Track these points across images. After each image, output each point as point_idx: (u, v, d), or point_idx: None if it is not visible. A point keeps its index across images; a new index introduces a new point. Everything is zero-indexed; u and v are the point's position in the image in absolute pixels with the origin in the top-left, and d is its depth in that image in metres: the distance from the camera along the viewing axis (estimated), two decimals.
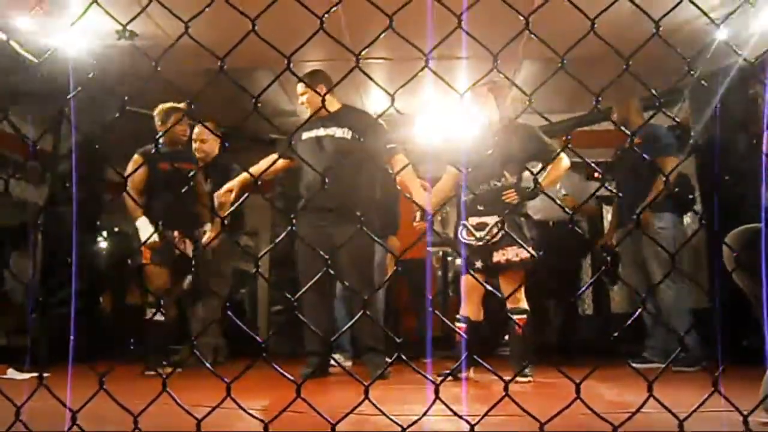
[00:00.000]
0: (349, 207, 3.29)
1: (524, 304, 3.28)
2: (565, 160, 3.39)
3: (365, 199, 3.55)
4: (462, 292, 3.48)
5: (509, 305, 3.25)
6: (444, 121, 5.36)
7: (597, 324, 6.51)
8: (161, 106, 4.02)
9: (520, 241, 3.11)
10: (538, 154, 3.38)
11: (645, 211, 4.11)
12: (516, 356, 3.28)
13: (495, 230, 3.24)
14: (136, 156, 3.91)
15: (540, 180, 3.35)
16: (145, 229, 3.76)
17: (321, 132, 3.58)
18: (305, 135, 3.62)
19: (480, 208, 3.33)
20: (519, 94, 5.63)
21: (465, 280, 3.43)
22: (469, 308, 3.43)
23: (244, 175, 3.62)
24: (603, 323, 6.47)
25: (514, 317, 3.23)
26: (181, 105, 3.99)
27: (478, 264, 3.32)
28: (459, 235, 3.41)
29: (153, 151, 3.91)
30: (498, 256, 3.24)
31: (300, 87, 3.69)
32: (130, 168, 3.84)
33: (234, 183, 3.60)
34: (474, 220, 3.34)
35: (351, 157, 3.50)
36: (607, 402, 2.40)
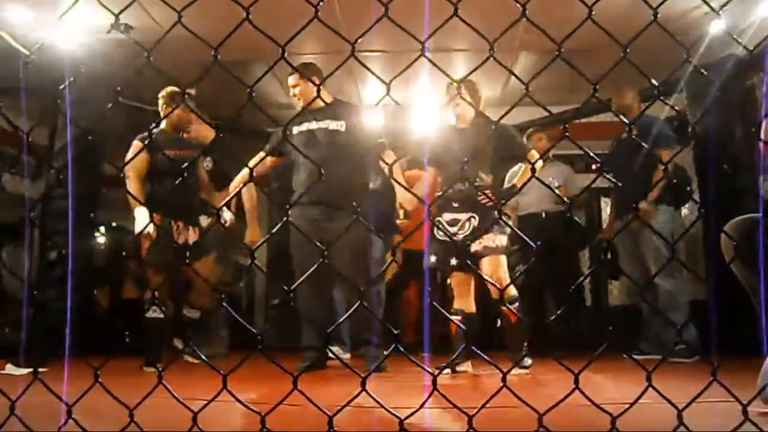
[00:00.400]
0: (343, 199, 3.29)
1: (513, 291, 3.31)
2: (536, 160, 3.43)
3: (359, 192, 3.54)
4: (453, 287, 3.51)
5: (498, 295, 3.27)
6: (428, 117, 5.37)
7: (595, 316, 6.52)
8: (166, 90, 3.90)
9: (496, 229, 3.19)
10: (510, 152, 3.43)
11: (645, 204, 4.11)
12: (512, 346, 3.29)
13: (467, 225, 3.28)
14: (136, 142, 3.79)
15: (515, 181, 3.39)
16: (142, 220, 3.62)
17: (314, 125, 3.57)
18: (296, 129, 3.60)
19: (455, 205, 3.34)
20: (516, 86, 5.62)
21: (454, 275, 3.45)
22: (462, 302, 3.45)
23: (243, 173, 3.63)
24: (601, 315, 6.49)
25: (505, 307, 3.24)
26: (191, 90, 3.90)
27: (453, 261, 3.36)
28: (434, 232, 3.43)
29: (148, 137, 3.82)
30: (476, 246, 3.27)
31: (292, 79, 3.65)
32: (130, 155, 3.70)
33: (235, 183, 3.67)
34: (447, 217, 3.36)
35: (345, 149, 3.50)
36: (605, 393, 2.40)
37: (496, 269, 3.25)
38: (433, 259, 3.42)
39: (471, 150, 3.33)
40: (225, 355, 4.40)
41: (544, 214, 4.92)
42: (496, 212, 3.31)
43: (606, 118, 5.63)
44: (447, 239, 3.37)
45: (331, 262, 3.53)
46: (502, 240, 3.28)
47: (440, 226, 3.39)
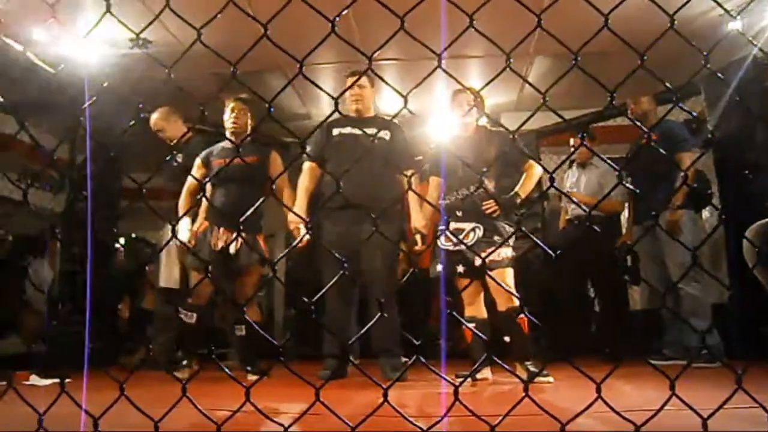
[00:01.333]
0: (377, 206, 3.32)
1: (517, 302, 3.29)
2: (537, 168, 3.42)
3: (395, 201, 3.59)
4: (463, 295, 3.50)
5: (505, 306, 3.25)
6: (441, 126, 5.37)
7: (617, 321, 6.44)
8: (229, 100, 3.85)
9: (500, 241, 3.20)
10: (513, 161, 3.45)
11: (670, 213, 4.07)
12: (525, 354, 3.26)
13: (472, 235, 3.27)
14: (198, 161, 3.85)
15: (517, 189, 3.40)
16: (182, 230, 3.70)
17: (357, 131, 3.63)
18: (336, 131, 3.65)
19: (459, 214, 3.34)
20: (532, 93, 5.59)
21: (461, 284, 3.44)
22: (473, 309, 3.45)
23: (300, 198, 3.65)
24: (622, 320, 6.40)
25: (517, 317, 3.22)
26: (243, 96, 3.84)
27: (460, 268, 3.35)
28: (438, 241, 3.43)
29: (206, 154, 3.85)
30: (480, 260, 3.25)
31: (353, 78, 3.70)
32: (193, 171, 3.82)
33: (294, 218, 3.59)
34: (451, 226, 3.36)
35: (385, 159, 3.56)
36: (627, 400, 2.38)
37: (504, 282, 3.23)
38: (439, 267, 3.41)
39: (475, 158, 3.34)
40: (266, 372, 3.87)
41: (576, 221, 4.91)
42: (505, 223, 3.34)
43: (624, 121, 5.60)
44: (451, 248, 3.36)
45: (361, 268, 3.53)
46: (506, 252, 3.27)
47: (445, 234, 3.39)
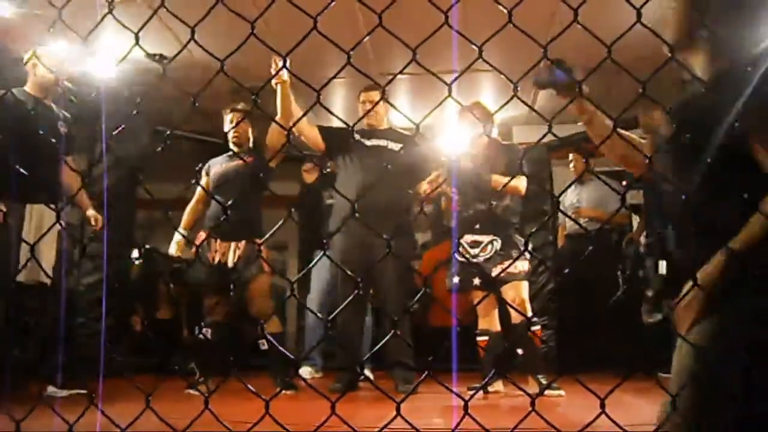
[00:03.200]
0: (392, 219, 3.35)
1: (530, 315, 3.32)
2: (521, 182, 3.40)
3: (408, 212, 3.63)
4: (477, 308, 3.51)
5: (519, 319, 3.27)
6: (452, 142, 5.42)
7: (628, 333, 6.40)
8: (226, 111, 3.78)
9: (517, 254, 3.24)
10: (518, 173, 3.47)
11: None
12: (538, 368, 3.28)
13: (489, 247, 3.31)
14: (203, 171, 3.77)
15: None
16: (172, 243, 3.65)
17: (373, 141, 3.69)
18: (356, 136, 3.70)
19: (476, 226, 3.37)
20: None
21: (474, 297, 3.46)
22: (486, 321, 3.46)
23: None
24: (633, 332, 6.37)
25: (530, 331, 3.25)
26: (241, 105, 3.74)
27: (476, 281, 3.38)
28: (454, 253, 3.47)
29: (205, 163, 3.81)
30: (497, 271, 3.29)
31: (364, 96, 3.77)
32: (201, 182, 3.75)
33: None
34: (468, 238, 3.39)
35: (399, 170, 3.64)
36: (637, 414, 2.38)
37: (518, 294, 3.26)
38: (455, 280, 3.43)
39: (488, 171, 3.38)
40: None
41: (576, 236, 4.92)
42: (520, 237, 3.37)
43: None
44: (468, 260, 3.39)
45: (375, 280, 3.55)
46: (523, 265, 3.32)
47: (461, 247, 3.42)
